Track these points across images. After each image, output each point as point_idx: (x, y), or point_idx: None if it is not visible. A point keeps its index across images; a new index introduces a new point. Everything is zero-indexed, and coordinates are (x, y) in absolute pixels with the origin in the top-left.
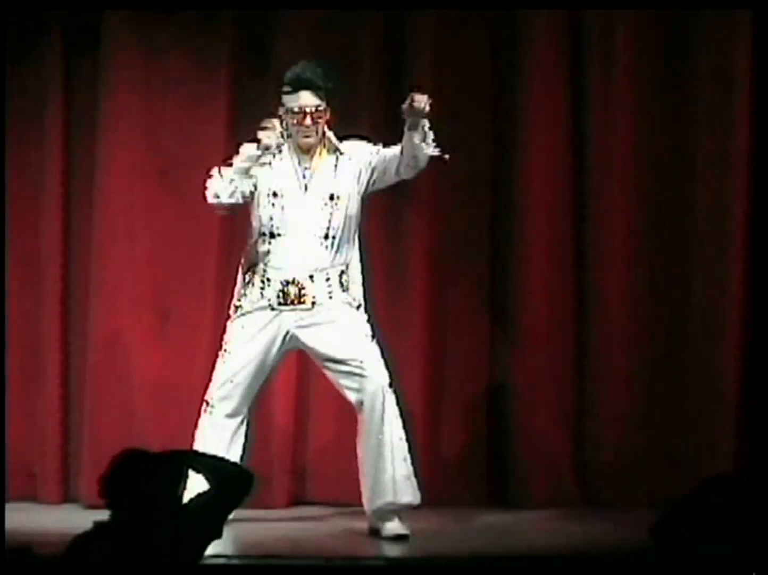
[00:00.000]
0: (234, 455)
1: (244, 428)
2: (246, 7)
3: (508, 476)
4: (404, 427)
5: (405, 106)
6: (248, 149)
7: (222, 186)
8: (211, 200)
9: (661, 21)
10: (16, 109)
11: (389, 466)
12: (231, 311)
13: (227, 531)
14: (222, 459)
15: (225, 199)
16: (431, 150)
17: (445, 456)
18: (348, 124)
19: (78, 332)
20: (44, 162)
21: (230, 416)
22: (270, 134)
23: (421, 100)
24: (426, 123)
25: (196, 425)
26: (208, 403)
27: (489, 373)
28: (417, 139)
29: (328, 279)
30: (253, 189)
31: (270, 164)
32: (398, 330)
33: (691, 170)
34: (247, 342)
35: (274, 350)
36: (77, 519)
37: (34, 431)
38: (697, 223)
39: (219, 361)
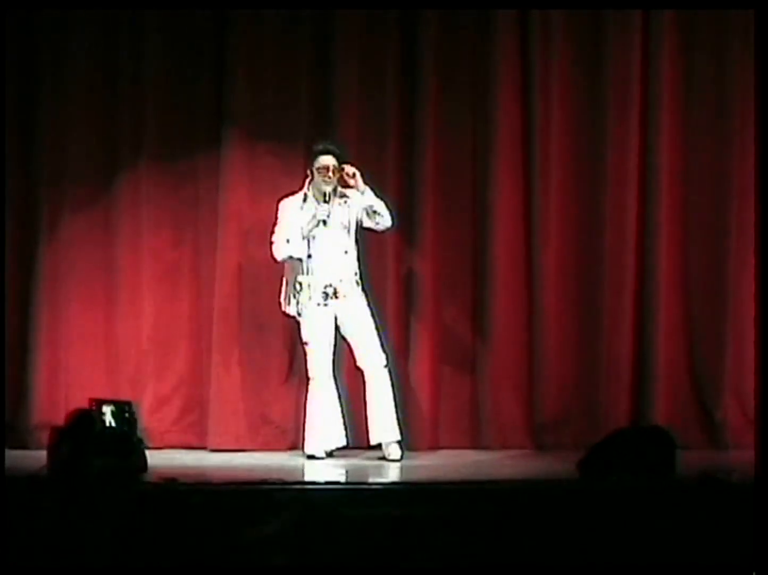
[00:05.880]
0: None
1: None
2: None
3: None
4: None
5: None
6: (303, 221)
7: (289, 249)
8: (281, 258)
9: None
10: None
11: (385, 414)
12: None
13: None
14: None
15: (296, 254)
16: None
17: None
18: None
19: (204, 320)
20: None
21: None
22: (324, 209)
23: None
24: (370, 200)
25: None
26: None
27: (471, 345)
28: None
29: (348, 279)
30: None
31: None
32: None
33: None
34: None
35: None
36: (208, 459)
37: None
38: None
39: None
